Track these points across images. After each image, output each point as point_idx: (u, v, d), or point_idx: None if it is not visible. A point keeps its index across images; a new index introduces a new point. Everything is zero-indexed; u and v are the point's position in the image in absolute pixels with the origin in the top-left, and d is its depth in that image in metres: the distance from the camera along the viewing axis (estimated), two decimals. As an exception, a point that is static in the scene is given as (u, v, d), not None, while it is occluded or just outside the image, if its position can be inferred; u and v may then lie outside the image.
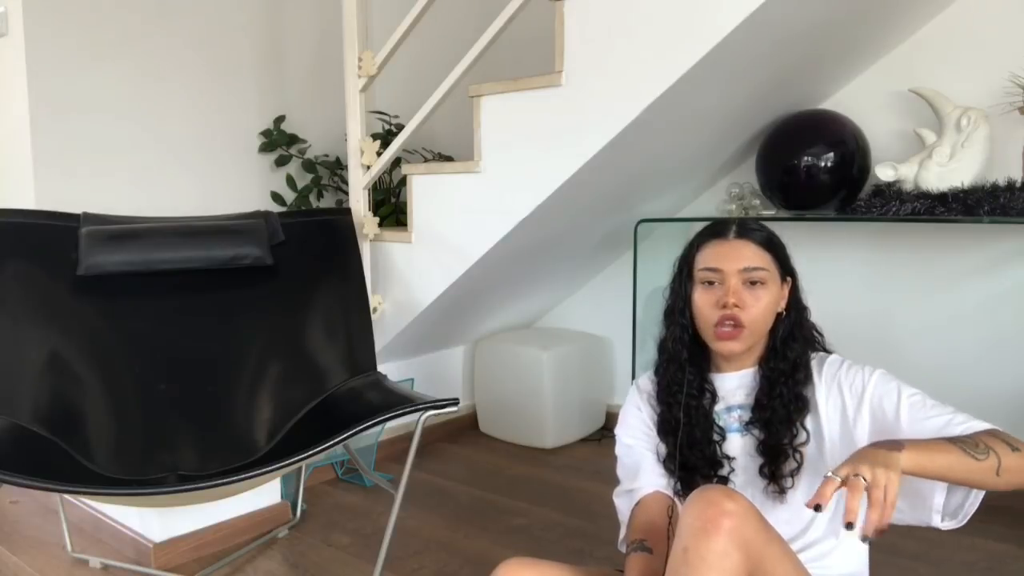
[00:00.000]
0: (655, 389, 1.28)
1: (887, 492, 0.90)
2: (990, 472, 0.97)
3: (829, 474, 0.94)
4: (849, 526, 0.88)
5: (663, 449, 1.25)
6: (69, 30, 2.37)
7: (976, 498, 1.05)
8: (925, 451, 0.97)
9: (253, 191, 2.88)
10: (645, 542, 1.14)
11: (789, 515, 1.14)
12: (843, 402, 1.15)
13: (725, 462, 1.20)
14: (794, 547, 1.10)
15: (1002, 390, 2.28)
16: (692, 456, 1.20)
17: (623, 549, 1.21)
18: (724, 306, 1.16)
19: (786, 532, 1.12)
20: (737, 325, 1.16)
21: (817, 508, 0.91)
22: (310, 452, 1.62)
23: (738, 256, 1.18)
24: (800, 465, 1.15)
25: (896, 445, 0.97)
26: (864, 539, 0.89)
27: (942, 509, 1.07)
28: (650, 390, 1.30)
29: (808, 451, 1.16)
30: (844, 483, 0.91)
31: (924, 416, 1.08)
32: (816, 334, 1.25)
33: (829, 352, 1.25)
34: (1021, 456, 0.99)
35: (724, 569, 0.93)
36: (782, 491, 1.14)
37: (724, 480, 1.19)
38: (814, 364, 1.21)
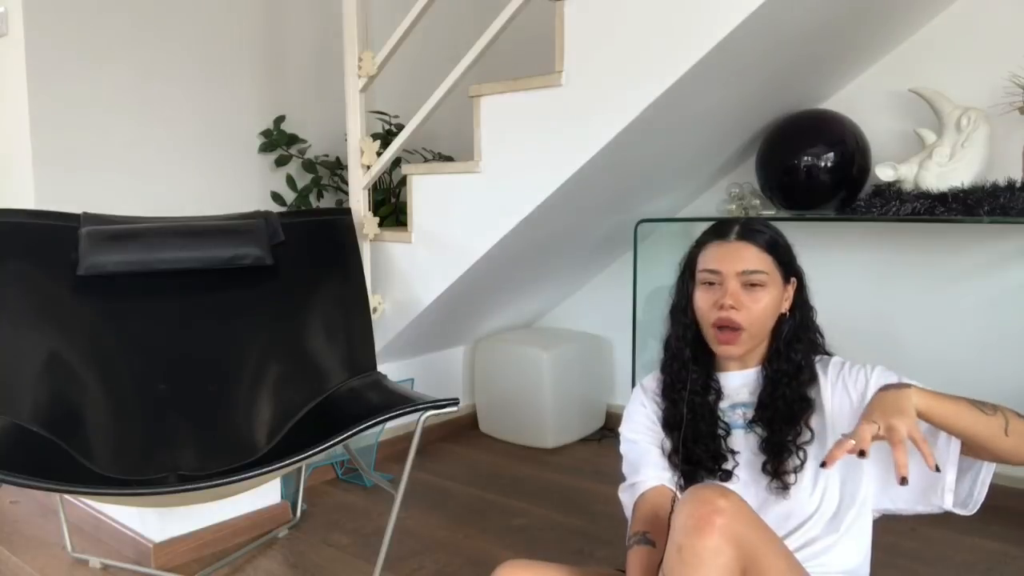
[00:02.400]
0: (659, 387, 1.29)
1: (911, 432, 0.93)
2: (998, 429, 1.00)
3: (842, 435, 0.97)
4: (862, 454, 0.93)
5: (668, 444, 1.25)
6: (69, 30, 2.38)
7: (984, 482, 1.06)
8: (932, 394, 1.01)
9: (253, 191, 2.88)
10: (648, 534, 1.14)
11: (789, 511, 1.14)
12: (849, 399, 1.16)
13: (730, 456, 1.20)
14: (793, 543, 1.11)
15: (1002, 390, 2.27)
16: (696, 450, 1.21)
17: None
18: (721, 307, 1.17)
19: (785, 527, 1.13)
20: (734, 328, 1.17)
21: (823, 465, 0.96)
22: (310, 452, 1.62)
23: (738, 258, 1.18)
24: (803, 462, 1.16)
25: (902, 384, 1.02)
26: (902, 481, 0.91)
27: (954, 488, 1.07)
28: (655, 388, 1.31)
29: (812, 450, 1.16)
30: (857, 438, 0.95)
31: None
32: (819, 336, 1.26)
33: (830, 354, 1.26)
34: None
35: (717, 566, 0.93)
36: (785, 487, 1.14)
37: (728, 474, 1.19)
38: (819, 366, 1.22)
